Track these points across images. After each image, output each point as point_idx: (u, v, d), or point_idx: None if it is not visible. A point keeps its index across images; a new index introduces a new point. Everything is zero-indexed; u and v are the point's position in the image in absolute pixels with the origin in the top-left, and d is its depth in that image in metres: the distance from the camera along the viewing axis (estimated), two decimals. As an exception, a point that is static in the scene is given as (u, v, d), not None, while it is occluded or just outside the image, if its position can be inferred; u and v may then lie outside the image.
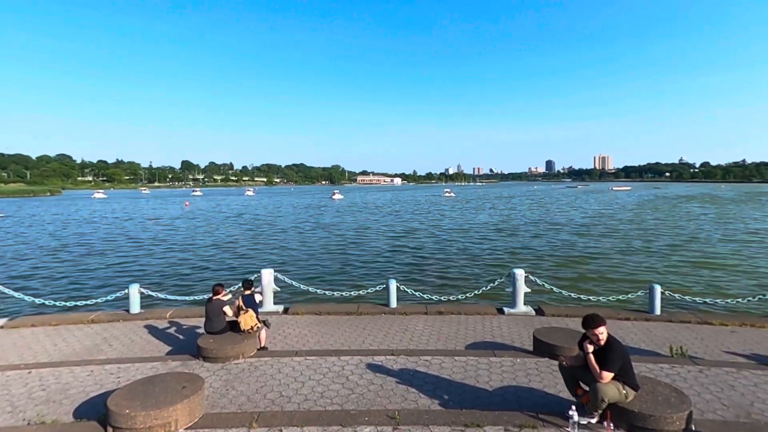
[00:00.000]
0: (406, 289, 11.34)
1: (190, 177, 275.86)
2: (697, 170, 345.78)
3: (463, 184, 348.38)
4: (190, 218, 47.67)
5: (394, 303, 10.49)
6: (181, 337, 8.75)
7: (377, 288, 11.29)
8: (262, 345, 7.64)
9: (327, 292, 11.64)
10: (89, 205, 77.79)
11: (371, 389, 5.93)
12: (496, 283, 11.19)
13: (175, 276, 18.30)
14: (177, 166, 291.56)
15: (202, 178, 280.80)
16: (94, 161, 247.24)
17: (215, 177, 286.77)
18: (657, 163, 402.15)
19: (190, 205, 72.45)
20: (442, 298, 11.38)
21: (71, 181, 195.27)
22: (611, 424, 4.67)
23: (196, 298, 11.42)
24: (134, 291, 10.28)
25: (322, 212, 56.02)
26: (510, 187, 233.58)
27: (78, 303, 11.85)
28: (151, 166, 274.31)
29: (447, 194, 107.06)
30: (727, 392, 5.80)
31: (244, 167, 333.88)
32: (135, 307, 10.28)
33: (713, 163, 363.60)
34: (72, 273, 19.17)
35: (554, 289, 11.37)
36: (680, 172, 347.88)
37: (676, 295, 10.91)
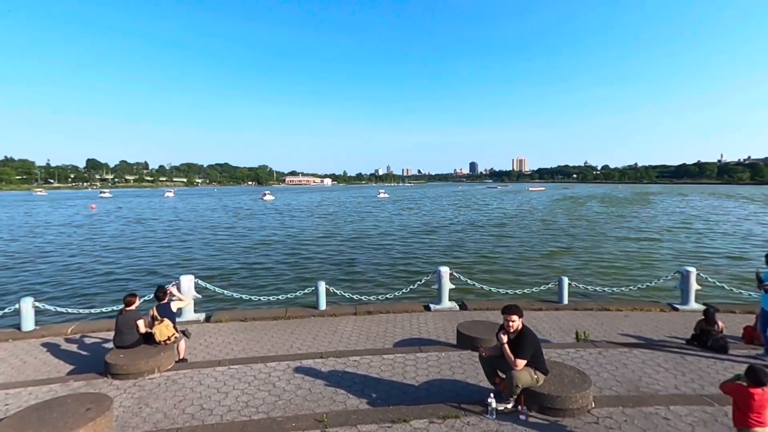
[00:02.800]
0: (335, 290, 11.29)
1: (98, 177, 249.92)
2: (599, 172, 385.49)
3: (392, 184, 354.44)
4: (97, 222, 43.27)
5: (323, 305, 10.40)
6: (85, 354, 7.92)
7: (306, 291, 11.12)
8: (181, 357, 7.18)
9: (253, 297, 11.22)
10: (-31, 208, 67.37)
11: (299, 394, 5.83)
12: (423, 281, 11.56)
13: (78, 287, 16.50)
14: (81, 164, 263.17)
15: (112, 179, 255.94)
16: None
17: (127, 177, 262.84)
18: (566, 166, 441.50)
19: (97, 208, 65.70)
20: (371, 298, 11.50)
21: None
22: (525, 407, 5.06)
23: (104, 310, 10.41)
24: (27, 305, 9.09)
25: (252, 214, 53.79)
26: (437, 187, 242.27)
27: (-46, 323, 10.23)
28: (48, 164, 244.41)
29: (381, 195, 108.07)
30: (621, 370, 6.54)
31: (161, 167, 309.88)
32: (28, 323, 9.10)
33: (612, 166, 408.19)
34: (-54, 288, 16.48)
35: (476, 284, 12.01)
36: (585, 174, 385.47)
37: (581, 285, 12.06)
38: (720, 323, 7.60)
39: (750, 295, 11.43)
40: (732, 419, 3.96)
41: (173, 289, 7.58)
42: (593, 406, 5.19)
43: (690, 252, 23.63)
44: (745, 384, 3.81)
